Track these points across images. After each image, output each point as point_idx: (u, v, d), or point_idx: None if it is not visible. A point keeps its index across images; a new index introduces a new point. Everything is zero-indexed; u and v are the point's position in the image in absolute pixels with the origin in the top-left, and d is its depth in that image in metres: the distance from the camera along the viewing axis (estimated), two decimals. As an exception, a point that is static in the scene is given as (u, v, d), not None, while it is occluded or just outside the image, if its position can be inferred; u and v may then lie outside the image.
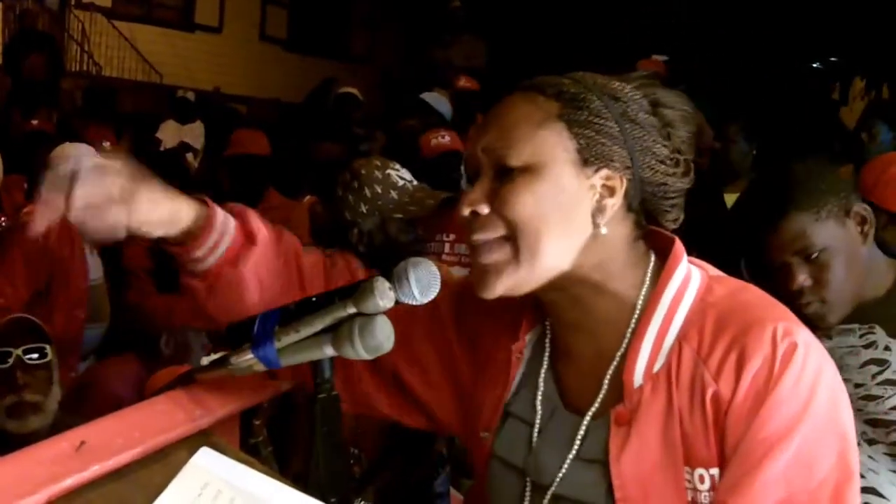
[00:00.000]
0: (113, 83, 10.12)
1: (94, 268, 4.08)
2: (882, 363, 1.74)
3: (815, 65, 11.42)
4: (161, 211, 1.15)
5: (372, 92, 7.45)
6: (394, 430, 2.21)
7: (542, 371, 1.19)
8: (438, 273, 1.16)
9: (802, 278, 1.73)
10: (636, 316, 1.12)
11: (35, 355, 2.41)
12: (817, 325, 1.77)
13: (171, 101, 8.95)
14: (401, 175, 2.35)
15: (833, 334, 1.80)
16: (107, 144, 4.82)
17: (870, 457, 1.73)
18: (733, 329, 1.04)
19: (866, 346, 1.76)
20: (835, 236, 1.73)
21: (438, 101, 5.91)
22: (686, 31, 9.96)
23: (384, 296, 1.07)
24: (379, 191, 2.32)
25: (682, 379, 1.05)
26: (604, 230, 1.08)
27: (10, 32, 10.13)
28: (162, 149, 7.75)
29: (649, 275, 1.14)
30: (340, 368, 1.28)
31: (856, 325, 1.78)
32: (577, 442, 1.11)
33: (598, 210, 1.09)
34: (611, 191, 1.09)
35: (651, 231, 1.17)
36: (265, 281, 1.24)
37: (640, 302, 1.12)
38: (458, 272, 3.33)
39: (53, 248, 3.72)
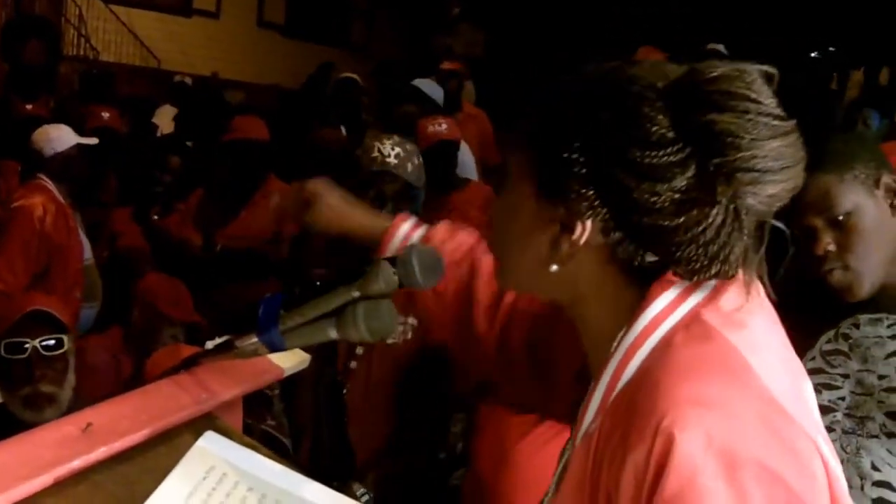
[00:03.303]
0: (110, 68, 10.07)
1: (86, 248, 4.11)
2: None
3: (813, 55, 11.43)
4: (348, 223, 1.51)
5: (370, 79, 7.43)
6: (402, 415, 2.22)
7: None
8: (443, 258, 1.17)
9: (826, 241, 1.70)
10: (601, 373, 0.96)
11: (52, 342, 2.43)
12: (845, 299, 1.74)
13: (169, 87, 8.92)
14: (381, 149, 2.36)
15: (861, 324, 1.75)
16: (106, 115, 5.01)
17: (888, 450, 1.68)
18: (631, 405, 0.87)
19: (893, 337, 1.71)
20: (862, 202, 1.69)
21: (432, 87, 5.89)
22: (683, 20, 9.94)
23: (388, 280, 1.08)
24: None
25: (599, 450, 0.90)
26: (553, 267, 0.96)
27: (6, 16, 10.08)
28: (158, 134, 7.73)
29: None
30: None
31: (884, 315, 1.73)
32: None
33: (553, 247, 0.95)
34: (568, 230, 0.93)
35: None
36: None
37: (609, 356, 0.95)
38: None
39: (50, 232, 3.73)
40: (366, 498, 2.02)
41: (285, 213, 1.52)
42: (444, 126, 4.25)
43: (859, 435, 1.72)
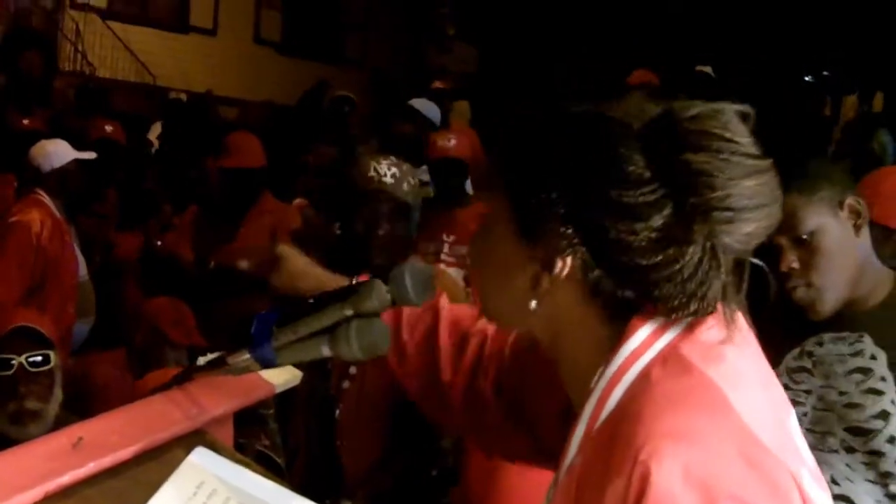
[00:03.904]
0: (106, 84, 10.11)
1: (81, 265, 4.10)
2: (867, 372, 1.76)
3: (807, 78, 11.50)
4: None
5: (365, 95, 7.46)
6: (396, 431, 2.22)
7: None
8: (434, 276, 1.18)
9: (791, 259, 1.77)
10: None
11: (39, 359, 2.42)
12: (809, 315, 1.81)
13: (163, 104, 8.94)
14: (377, 169, 2.36)
15: (825, 342, 1.82)
16: (109, 128, 5.14)
17: (847, 465, 1.75)
18: (612, 438, 0.87)
19: (853, 355, 1.78)
20: (826, 223, 1.77)
21: (428, 106, 5.93)
22: (678, 42, 10.00)
23: (381, 297, 1.09)
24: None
25: (581, 482, 0.91)
26: (532, 304, 0.96)
27: (4, 30, 10.11)
28: (153, 150, 7.74)
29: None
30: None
31: (847, 333, 1.80)
32: None
33: (533, 285, 0.96)
34: (548, 268, 0.94)
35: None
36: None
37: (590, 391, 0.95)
38: (455, 273, 3.35)
39: (46, 246, 3.73)
40: (354, 516, 2.02)
41: (253, 272, 1.53)
42: (451, 142, 4.27)
43: (819, 450, 1.77)
